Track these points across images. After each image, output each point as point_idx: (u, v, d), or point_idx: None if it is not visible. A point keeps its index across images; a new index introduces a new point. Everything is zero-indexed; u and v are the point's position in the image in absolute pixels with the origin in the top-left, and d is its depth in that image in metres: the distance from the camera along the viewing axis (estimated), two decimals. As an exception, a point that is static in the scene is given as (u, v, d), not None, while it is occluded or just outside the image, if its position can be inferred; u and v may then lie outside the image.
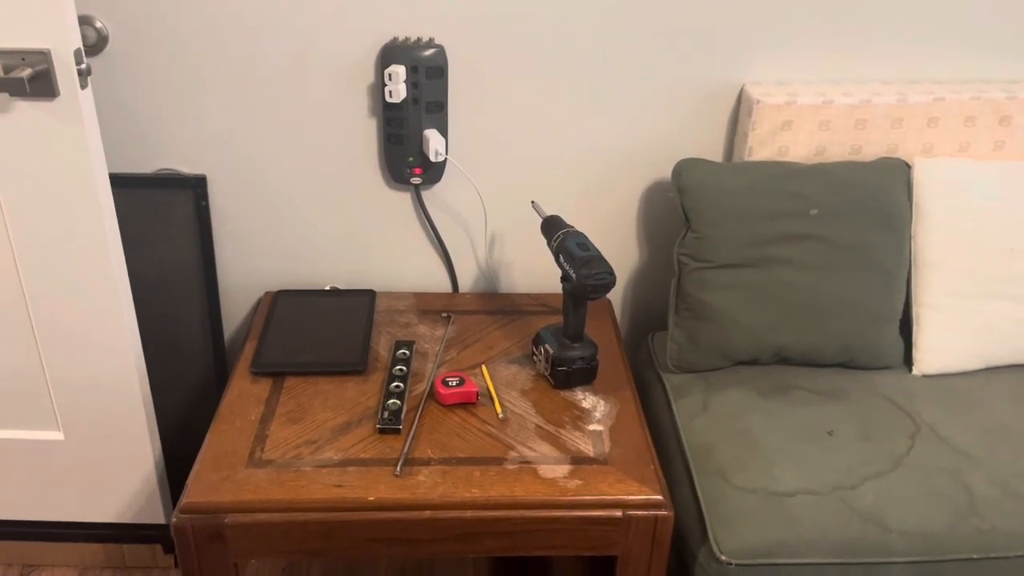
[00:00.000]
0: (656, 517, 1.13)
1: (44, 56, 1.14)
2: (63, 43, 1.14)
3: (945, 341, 1.43)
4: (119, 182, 1.44)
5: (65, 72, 1.16)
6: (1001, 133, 1.47)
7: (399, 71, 1.39)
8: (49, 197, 1.25)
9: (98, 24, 1.38)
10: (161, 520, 1.56)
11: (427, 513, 1.12)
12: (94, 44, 1.39)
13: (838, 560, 1.13)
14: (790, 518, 1.15)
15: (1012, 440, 1.30)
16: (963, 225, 1.41)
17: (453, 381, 1.29)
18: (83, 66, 1.17)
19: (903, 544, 1.14)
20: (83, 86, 1.18)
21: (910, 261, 1.44)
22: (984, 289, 1.42)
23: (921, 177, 1.43)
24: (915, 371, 1.45)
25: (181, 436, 1.64)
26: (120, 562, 1.62)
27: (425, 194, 1.55)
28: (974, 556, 1.15)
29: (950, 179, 1.42)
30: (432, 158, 1.46)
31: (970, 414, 1.35)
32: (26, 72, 1.12)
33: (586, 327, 1.34)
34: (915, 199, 1.43)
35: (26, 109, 1.18)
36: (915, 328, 1.45)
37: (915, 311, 1.45)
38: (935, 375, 1.44)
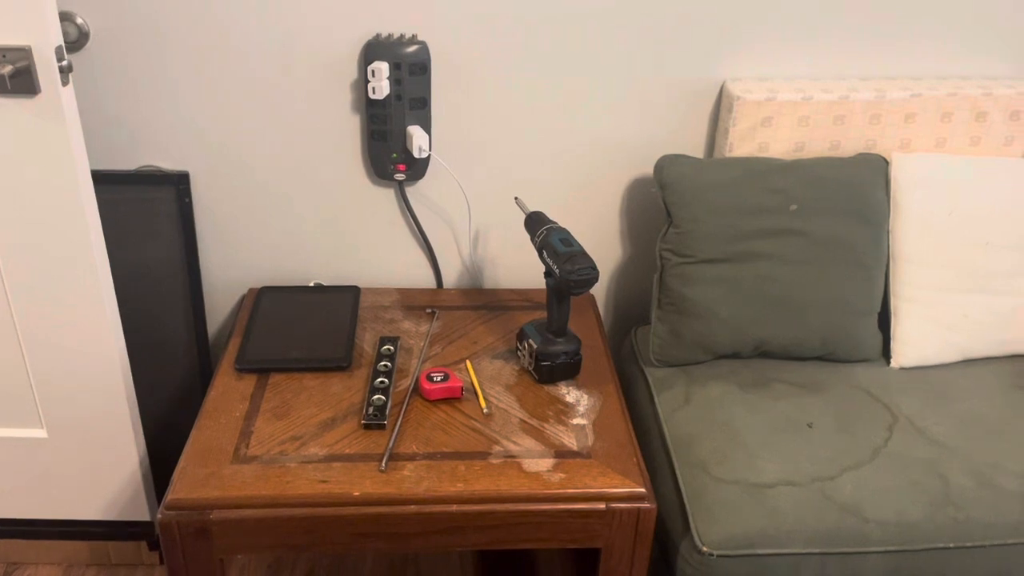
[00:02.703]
0: (639, 509, 1.15)
1: (25, 53, 1.14)
2: (44, 40, 1.14)
3: (922, 334, 1.45)
4: (101, 179, 1.43)
5: (46, 69, 1.15)
6: (977, 129, 1.49)
7: (382, 67, 1.39)
8: (31, 195, 1.24)
9: (79, 20, 1.37)
10: (146, 517, 1.56)
11: (412, 508, 1.13)
12: (75, 40, 1.38)
13: (817, 550, 1.15)
14: (770, 509, 1.17)
15: (987, 431, 1.32)
16: (940, 219, 1.43)
17: (438, 376, 1.30)
18: (64, 63, 1.17)
19: (881, 534, 1.16)
20: (64, 83, 1.18)
21: (888, 255, 1.46)
22: (960, 282, 1.44)
23: (898, 172, 1.45)
24: (893, 364, 1.47)
25: (165, 433, 1.64)
26: (105, 559, 1.62)
27: (409, 190, 1.56)
28: (950, 545, 1.17)
29: (927, 174, 1.44)
30: (416, 154, 1.46)
31: (947, 406, 1.37)
32: (7, 69, 1.12)
33: (570, 322, 1.35)
34: (892, 194, 1.45)
35: (7, 106, 1.18)
36: (893, 321, 1.47)
37: (893, 304, 1.47)
38: (912, 367, 1.46)
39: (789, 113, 1.45)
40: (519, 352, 1.39)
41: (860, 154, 1.48)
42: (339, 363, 1.36)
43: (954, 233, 1.43)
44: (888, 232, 1.45)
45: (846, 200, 1.41)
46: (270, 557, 1.65)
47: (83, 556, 1.61)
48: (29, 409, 1.44)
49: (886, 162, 1.47)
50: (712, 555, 1.14)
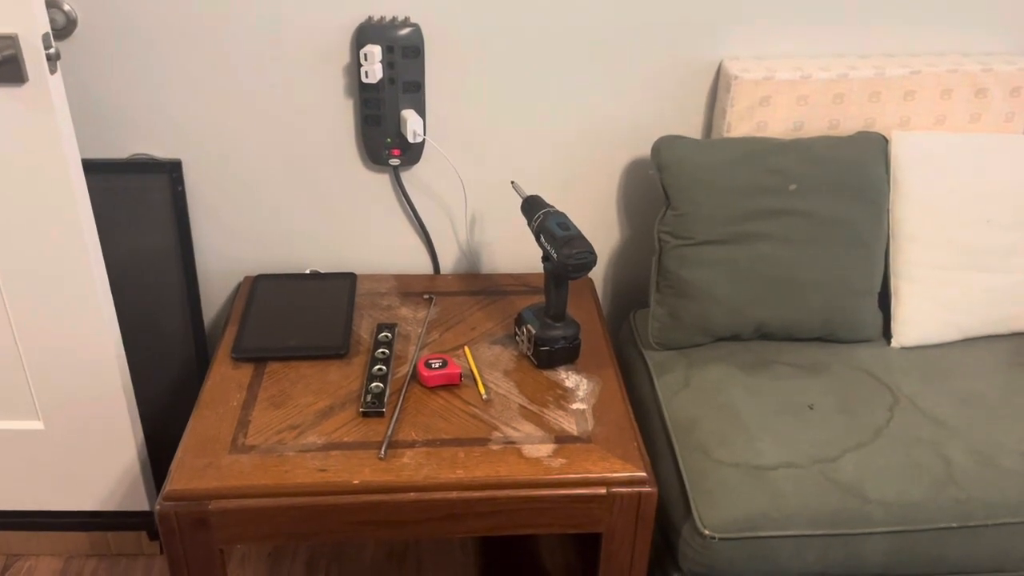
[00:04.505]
0: (640, 494, 1.14)
1: (12, 41, 1.12)
2: (31, 28, 1.12)
3: (923, 313, 1.44)
4: (92, 168, 1.42)
5: (34, 57, 1.14)
6: (977, 106, 1.48)
7: (375, 51, 1.38)
8: (21, 185, 1.23)
9: (66, 7, 1.35)
10: (145, 507, 1.56)
11: (412, 495, 1.12)
12: (62, 28, 1.36)
13: (819, 532, 1.15)
14: (772, 491, 1.17)
15: (989, 410, 1.32)
16: (940, 197, 1.42)
17: (436, 363, 1.29)
18: (52, 50, 1.15)
19: (882, 514, 1.16)
20: (52, 71, 1.16)
21: (888, 234, 1.45)
22: (961, 261, 1.43)
23: (898, 150, 1.44)
24: (893, 343, 1.46)
25: (163, 422, 1.63)
26: (105, 550, 1.62)
27: (404, 175, 1.54)
28: (952, 525, 1.17)
29: (927, 152, 1.43)
30: (410, 139, 1.45)
31: (948, 385, 1.37)
32: (-7, 57, 1.11)
33: (568, 306, 1.34)
34: (892, 172, 1.44)
35: (-5, 95, 1.16)
36: (893, 301, 1.46)
37: (893, 284, 1.46)
38: (913, 347, 1.46)
39: (787, 92, 1.43)
40: (517, 337, 1.39)
41: (859, 132, 1.47)
42: (336, 351, 1.35)
43: (954, 211, 1.42)
44: (888, 211, 1.44)
45: (846, 179, 1.40)
46: (270, 546, 1.66)
47: (83, 547, 1.61)
48: (25, 401, 1.43)
49: (886, 140, 1.45)
50: (714, 538, 1.14)
